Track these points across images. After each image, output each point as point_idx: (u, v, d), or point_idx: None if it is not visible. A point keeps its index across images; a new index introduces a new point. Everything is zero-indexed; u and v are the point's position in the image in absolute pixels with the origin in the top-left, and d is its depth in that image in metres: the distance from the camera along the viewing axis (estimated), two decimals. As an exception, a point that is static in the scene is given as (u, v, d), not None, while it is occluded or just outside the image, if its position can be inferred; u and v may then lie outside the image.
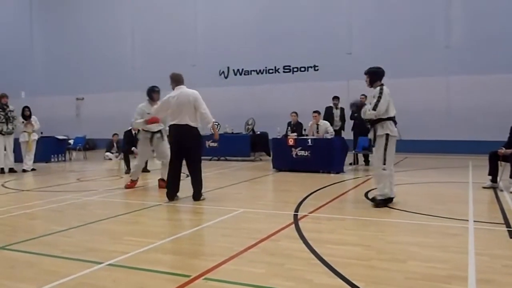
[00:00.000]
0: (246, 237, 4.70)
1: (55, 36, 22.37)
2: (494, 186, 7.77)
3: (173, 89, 7.03)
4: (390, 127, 6.23)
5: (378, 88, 6.26)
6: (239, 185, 8.98)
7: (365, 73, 6.48)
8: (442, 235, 4.79)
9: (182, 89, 6.94)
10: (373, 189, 7.82)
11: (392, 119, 6.26)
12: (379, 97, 6.11)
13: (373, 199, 6.59)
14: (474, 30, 14.96)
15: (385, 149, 6.23)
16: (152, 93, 8.37)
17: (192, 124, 6.79)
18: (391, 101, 6.24)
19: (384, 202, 6.33)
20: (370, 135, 6.47)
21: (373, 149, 6.51)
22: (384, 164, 6.25)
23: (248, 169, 11.83)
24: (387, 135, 6.20)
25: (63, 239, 4.80)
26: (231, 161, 13.98)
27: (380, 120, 6.22)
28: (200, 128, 7.02)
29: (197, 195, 6.96)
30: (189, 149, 6.88)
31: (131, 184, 8.47)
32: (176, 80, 7.04)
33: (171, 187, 7.04)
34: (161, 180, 8.34)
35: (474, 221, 5.38)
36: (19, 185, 9.41)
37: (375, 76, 6.42)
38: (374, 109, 6.11)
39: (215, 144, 13.78)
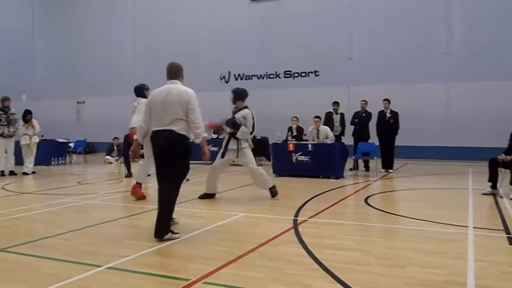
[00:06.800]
0: (246, 242, 4.70)
1: (57, 40, 22.41)
2: (494, 192, 7.77)
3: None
4: (250, 140, 7.66)
5: (249, 112, 7.45)
6: (239, 189, 9.01)
7: (232, 91, 7.65)
8: (441, 241, 4.79)
9: (174, 85, 5.11)
10: (372, 195, 7.84)
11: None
12: (254, 122, 7.44)
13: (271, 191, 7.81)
14: (475, 36, 14.96)
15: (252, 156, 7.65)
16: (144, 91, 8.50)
17: (178, 130, 4.91)
18: None
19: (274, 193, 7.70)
20: (233, 147, 7.46)
21: (239, 158, 7.59)
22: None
23: (248, 174, 11.79)
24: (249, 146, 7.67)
25: (62, 242, 4.81)
26: (232, 165, 13.83)
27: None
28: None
29: (159, 230, 4.79)
30: (168, 161, 4.92)
31: None
32: (172, 73, 5.21)
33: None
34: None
35: (474, 227, 5.38)
36: (19, 188, 9.42)
37: (238, 96, 7.58)
38: (252, 132, 7.46)
39: (215, 148, 13.72)
